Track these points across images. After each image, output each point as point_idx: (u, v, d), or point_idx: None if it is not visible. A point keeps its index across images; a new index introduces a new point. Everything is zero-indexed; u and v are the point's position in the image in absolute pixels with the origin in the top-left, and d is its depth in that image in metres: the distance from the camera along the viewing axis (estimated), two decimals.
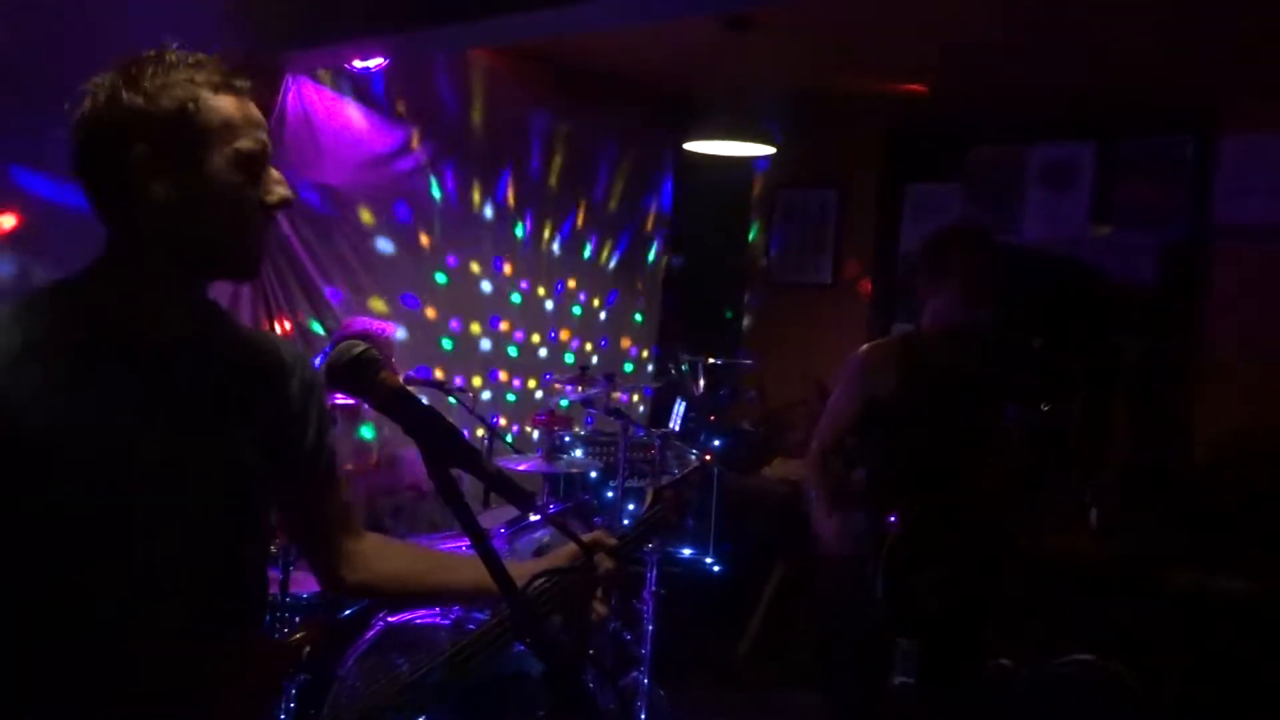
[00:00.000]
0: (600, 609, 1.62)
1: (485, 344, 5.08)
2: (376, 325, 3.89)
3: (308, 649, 1.52)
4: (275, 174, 1.40)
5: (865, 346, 3.28)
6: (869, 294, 5.86)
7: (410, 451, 4.06)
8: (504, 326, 5.15)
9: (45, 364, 1.31)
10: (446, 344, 4.89)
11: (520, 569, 1.56)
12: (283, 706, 2.82)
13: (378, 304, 4.53)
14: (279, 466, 1.50)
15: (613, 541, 1.66)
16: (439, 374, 4.74)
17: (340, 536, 1.64)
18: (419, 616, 3.07)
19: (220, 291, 4.09)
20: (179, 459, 1.38)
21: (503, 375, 5.18)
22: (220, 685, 1.40)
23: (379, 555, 1.65)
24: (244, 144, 1.35)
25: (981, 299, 3.13)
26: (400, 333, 4.58)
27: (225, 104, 1.35)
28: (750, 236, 6.36)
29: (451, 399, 4.01)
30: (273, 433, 1.49)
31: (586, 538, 1.62)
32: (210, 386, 1.44)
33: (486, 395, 5.07)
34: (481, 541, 1.30)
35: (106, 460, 1.32)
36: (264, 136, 1.39)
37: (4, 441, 1.27)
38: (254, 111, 1.39)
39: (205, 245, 1.37)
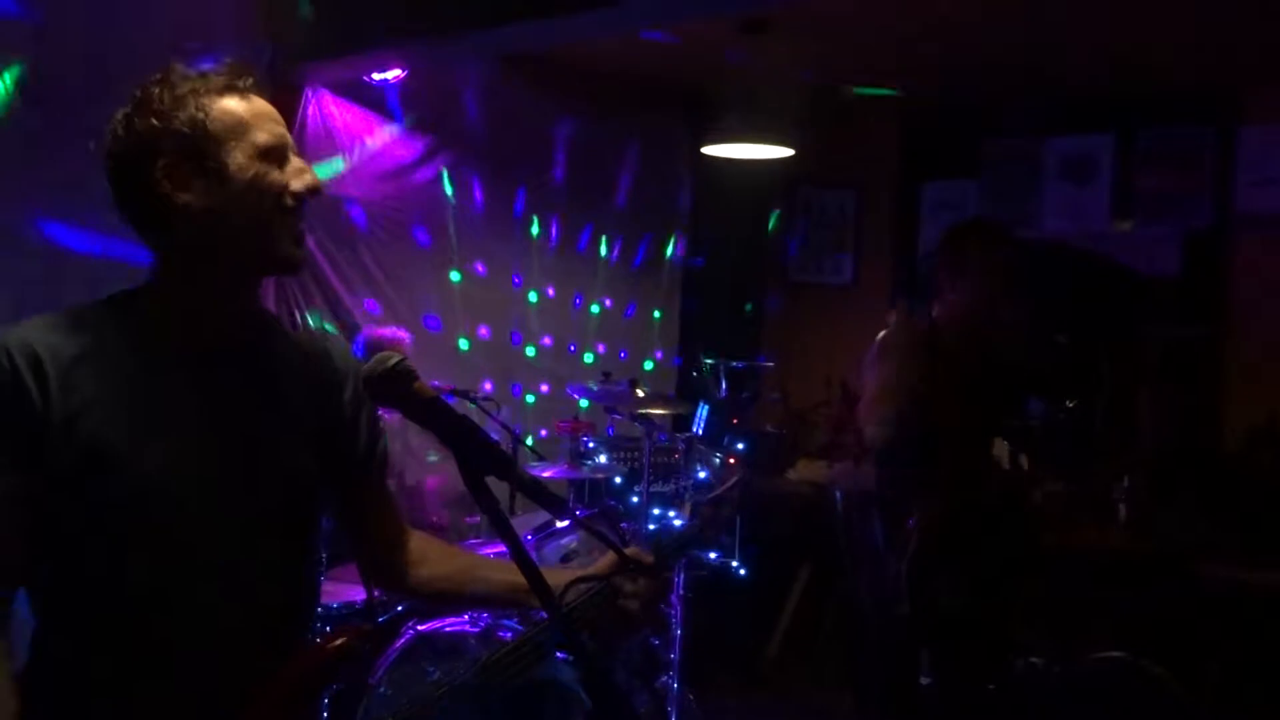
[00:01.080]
0: (638, 624, 1.61)
1: (506, 350, 5.09)
2: (390, 332, 3.89)
3: (350, 653, 1.53)
4: (299, 163, 1.43)
5: (882, 333, 3.27)
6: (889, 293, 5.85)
7: (432, 480, 4.07)
8: (525, 332, 5.16)
9: (101, 372, 1.34)
10: (467, 350, 4.90)
11: (558, 576, 1.57)
12: (317, 715, 2.83)
13: (399, 311, 4.54)
14: (332, 472, 1.53)
15: (649, 560, 1.64)
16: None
17: (393, 541, 1.67)
18: (448, 624, 3.07)
19: None
20: (233, 465, 1.41)
21: (525, 381, 5.18)
22: (267, 687, 1.42)
23: (427, 559, 1.68)
24: (260, 137, 1.39)
25: (1002, 294, 3.12)
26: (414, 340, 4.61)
27: (233, 104, 1.39)
28: (769, 238, 6.35)
29: (472, 404, 4.01)
30: (326, 439, 1.52)
31: (626, 552, 1.60)
32: (264, 393, 1.47)
33: (509, 402, 5.07)
34: (519, 550, 1.31)
35: (161, 466, 1.35)
36: (280, 129, 1.42)
37: (60, 447, 1.30)
38: (264, 106, 1.42)
39: (241, 242, 1.40)
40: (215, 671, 1.38)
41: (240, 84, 1.41)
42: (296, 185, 1.41)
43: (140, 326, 1.40)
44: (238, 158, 1.37)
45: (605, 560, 1.62)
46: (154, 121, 1.36)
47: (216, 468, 1.39)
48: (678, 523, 3.96)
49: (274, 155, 1.40)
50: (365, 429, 1.58)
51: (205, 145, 1.36)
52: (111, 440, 1.32)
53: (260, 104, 1.42)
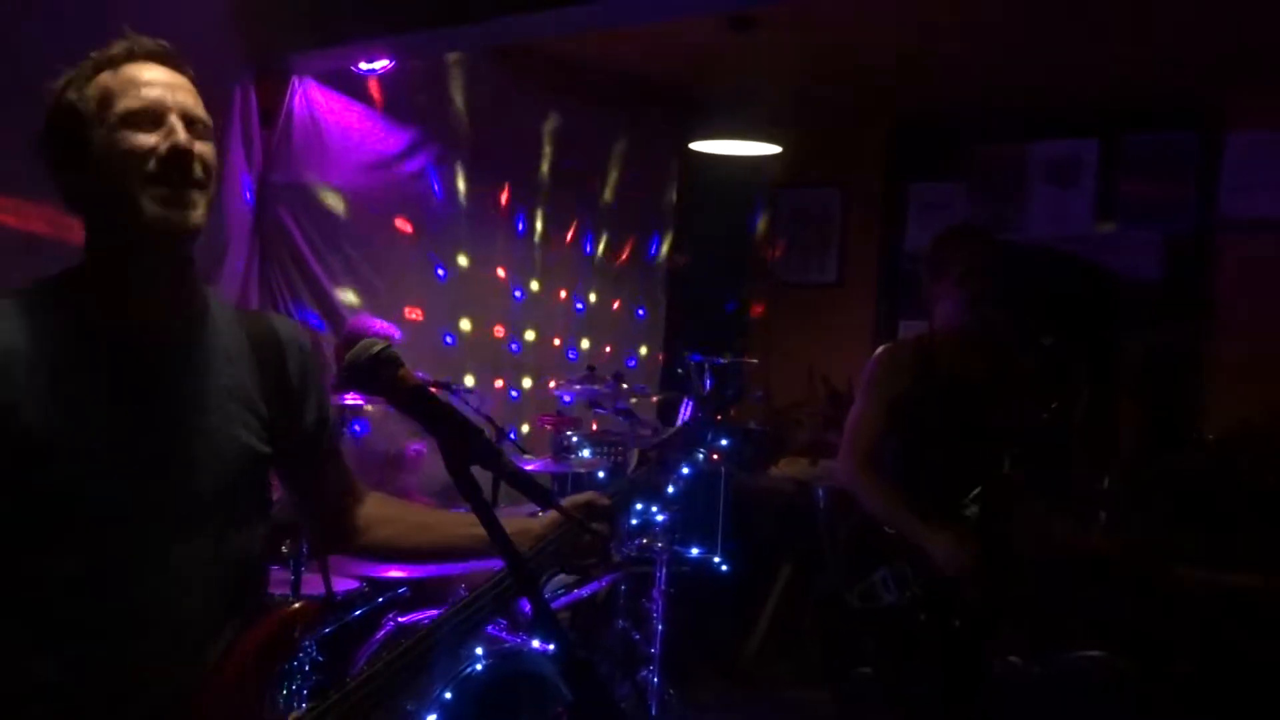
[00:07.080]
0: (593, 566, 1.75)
1: (491, 344, 5.07)
2: (378, 325, 3.87)
3: (307, 618, 1.54)
4: (175, 123, 1.35)
5: (881, 348, 3.27)
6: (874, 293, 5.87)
7: (416, 469, 4.03)
8: (509, 327, 5.15)
9: (33, 362, 1.32)
10: (452, 344, 4.89)
11: (516, 524, 1.65)
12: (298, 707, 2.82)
13: (384, 304, 4.53)
14: (281, 446, 1.52)
15: (605, 501, 1.75)
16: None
17: (347, 506, 1.69)
18: (428, 616, 3.07)
19: (227, 290, 4.05)
20: (174, 448, 1.39)
21: (508, 376, 5.17)
22: (218, 670, 1.41)
23: (382, 519, 1.71)
24: (123, 103, 1.35)
25: (983, 298, 3.13)
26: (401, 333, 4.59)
27: (103, 78, 1.37)
28: (755, 236, 6.36)
29: (464, 400, 4.00)
30: (273, 414, 1.50)
31: (581, 498, 1.74)
32: (203, 374, 1.44)
33: (492, 396, 5.06)
34: (501, 537, 1.30)
35: (93, 457, 1.33)
36: (154, 92, 1.36)
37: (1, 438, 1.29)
38: (137, 72, 1.37)
39: (110, 214, 1.36)
40: (155, 661, 1.36)
41: (115, 54, 1.38)
42: (162, 145, 1.34)
43: (68, 312, 1.37)
44: (101, 132, 1.34)
45: (551, 517, 1.68)
46: (52, 104, 1.38)
47: (155, 452, 1.37)
48: (660, 518, 3.96)
49: (142, 119, 1.34)
50: (313, 398, 1.58)
51: (76, 127, 1.35)
52: (43, 432, 1.30)
53: (134, 70, 1.37)
